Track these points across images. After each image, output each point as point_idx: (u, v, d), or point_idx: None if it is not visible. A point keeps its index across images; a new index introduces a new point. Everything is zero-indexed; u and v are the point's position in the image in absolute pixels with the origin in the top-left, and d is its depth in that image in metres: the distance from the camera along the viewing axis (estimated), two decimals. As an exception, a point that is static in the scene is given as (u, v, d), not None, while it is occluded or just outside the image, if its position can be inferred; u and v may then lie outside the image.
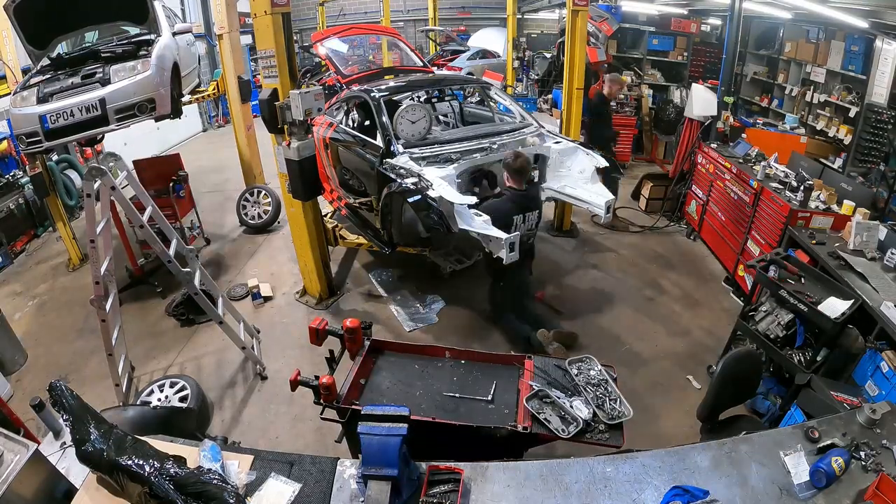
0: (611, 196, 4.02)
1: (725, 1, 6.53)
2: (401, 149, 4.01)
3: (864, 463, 1.81)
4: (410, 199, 3.43)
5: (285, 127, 3.99)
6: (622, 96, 8.26)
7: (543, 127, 4.60)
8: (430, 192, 3.40)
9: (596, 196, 4.04)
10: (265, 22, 3.75)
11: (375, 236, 4.41)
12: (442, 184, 3.51)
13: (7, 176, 6.14)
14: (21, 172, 6.23)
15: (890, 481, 1.67)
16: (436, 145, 4.10)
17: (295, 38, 5.00)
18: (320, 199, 4.66)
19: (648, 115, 8.69)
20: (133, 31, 5.15)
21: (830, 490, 1.73)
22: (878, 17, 5.52)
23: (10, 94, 4.80)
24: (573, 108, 5.57)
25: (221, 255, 5.88)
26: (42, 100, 4.17)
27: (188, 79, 5.60)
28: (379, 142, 4.13)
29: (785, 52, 7.53)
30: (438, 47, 14.64)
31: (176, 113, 4.66)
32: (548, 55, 10.21)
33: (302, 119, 3.83)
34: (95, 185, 2.83)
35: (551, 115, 8.26)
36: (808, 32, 7.05)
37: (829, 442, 1.87)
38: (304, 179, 4.14)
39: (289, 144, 4.01)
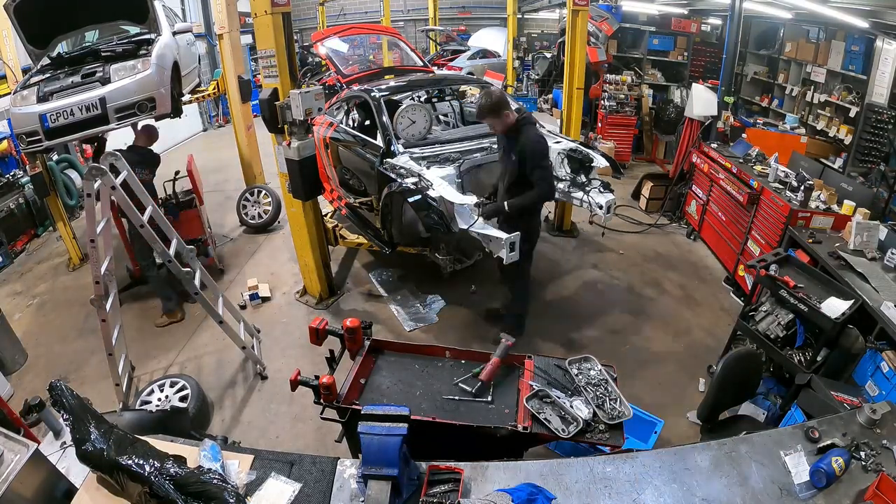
0: (611, 196, 4.03)
1: (725, 1, 6.53)
2: (401, 148, 4.00)
3: (864, 463, 1.81)
4: (411, 199, 3.44)
5: (285, 127, 3.99)
6: (622, 96, 8.27)
7: (544, 127, 4.60)
8: (431, 192, 3.40)
9: (596, 196, 4.05)
10: (265, 22, 3.75)
11: (376, 236, 4.41)
12: (442, 183, 3.50)
13: (7, 175, 6.15)
14: (21, 172, 6.24)
15: (890, 481, 1.67)
16: (436, 145, 4.10)
17: (295, 38, 5.00)
18: (320, 198, 4.66)
19: (648, 115, 8.69)
20: (133, 30, 5.16)
21: (830, 490, 1.73)
22: (879, 17, 5.52)
23: (10, 93, 4.80)
24: (573, 107, 5.57)
25: (222, 254, 5.87)
26: (42, 99, 4.17)
27: (188, 78, 5.60)
28: (379, 141, 4.12)
29: (785, 52, 7.52)
30: (439, 47, 14.64)
31: (176, 112, 4.66)
32: (548, 55, 10.23)
33: (302, 119, 3.83)
34: (96, 185, 2.83)
35: (551, 115, 8.26)
36: (808, 32, 7.05)
37: (829, 442, 1.87)
38: (305, 179, 4.14)
39: (289, 144, 4.01)
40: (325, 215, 5.06)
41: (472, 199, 3.40)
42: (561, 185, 4.26)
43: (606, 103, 8.25)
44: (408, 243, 4.19)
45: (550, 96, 9.37)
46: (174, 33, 5.01)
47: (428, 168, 3.78)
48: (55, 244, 6.28)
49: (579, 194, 4.14)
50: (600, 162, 4.16)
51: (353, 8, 16.98)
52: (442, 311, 4.66)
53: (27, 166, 5.59)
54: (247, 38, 11.60)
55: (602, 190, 4.10)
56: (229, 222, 6.70)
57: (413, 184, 3.53)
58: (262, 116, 4.05)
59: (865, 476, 1.77)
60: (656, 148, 8.82)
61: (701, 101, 6.08)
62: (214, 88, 6.56)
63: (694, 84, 6.76)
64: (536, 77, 10.41)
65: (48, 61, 4.64)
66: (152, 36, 4.71)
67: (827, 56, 6.62)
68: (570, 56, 5.37)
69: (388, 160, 3.95)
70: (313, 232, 4.51)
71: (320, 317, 2.62)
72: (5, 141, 6.08)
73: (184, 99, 5.22)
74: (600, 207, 3.99)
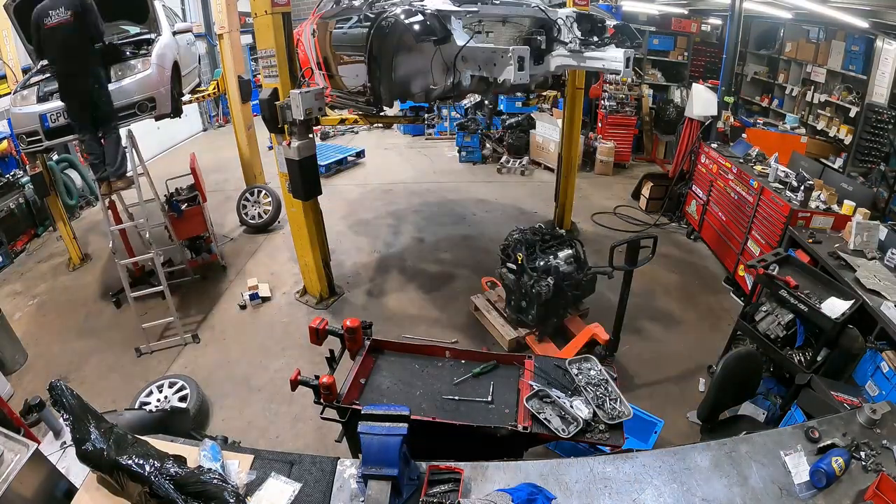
0: (630, 49, 3.59)
1: (726, 1, 6.53)
2: None
3: (864, 463, 1.81)
4: (410, 20, 3.09)
5: (285, 126, 3.99)
6: (622, 96, 8.27)
7: None
8: (426, 9, 3.12)
9: (611, 52, 3.63)
10: (265, 21, 3.75)
11: (364, 102, 4.01)
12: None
13: (7, 175, 6.14)
14: (21, 172, 6.23)
15: (890, 481, 1.67)
16: None
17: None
18: (322, 205, 4.65)
19: (649, 115, 8.69)
20: (133, 30, 5.15)
21: (830, 490, 1.73)
22: (879, 17, 5.52)
23: (10, 93, 4.79)
24: (574, 107, 5.56)
25: (222, 254, 5.87)
26: (42, 98, 4.17)
27: (188, 78, 5.59)
28: None
29: (785, 52, 7.52)
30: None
31: (176, 112, 4.66)
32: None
33: (302, 119, 3.83)
34: None
35: (552, 115, 8.25)
36: (808, 32, 7.05)
37: (829, 442, 1.87)
38: (305, 179, 4.14)
39: (289, 144, 4.01)
40: None
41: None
42: (570, 52, 3.79)
43: (606, 103, 8.25)
44: (398, 95, 3.80)
45: (550, 96, 9.38)
46: (174, 33, 5.00)
47: None
48: (55, 244, 6.28)
49: (596, 54, 3.67)
50: (613, 21, 3.86)
51: (353, 8, 16.94)
52: (442, 311, 4.65)
53: (27, 166, 5.58)
54: (247, 38, 11.56)
55: (619, 46, 3.69)
56: (229, 222, 6.70)
57: (405, 9, 3.20)
58: (262, 116, 4.05)
59: (865, 476, 1.77)
60: (656, 148, 8.82)
61: (701, 101, 6.08)
62: (214, 88, 6.56)
63: (694, 84, 6.76)
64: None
65: (48, 61, 4.64)
66: (152, 36, 4.71)
67: (827, 56, 6.62)
68: (570, 56, 5.35)
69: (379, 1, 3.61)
70: (313, 232, 4.51)
71: (320, 317, 2.62)
72: (5, 141, 6.07)
73: (184, 99, 5.22)
74: (619, 63, 3.53)
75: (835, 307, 2.94)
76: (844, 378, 2.99)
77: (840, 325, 2.87)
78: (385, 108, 3.90)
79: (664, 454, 1.88)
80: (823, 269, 3.53)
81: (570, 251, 3.95)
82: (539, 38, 3.78)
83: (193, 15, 12.13)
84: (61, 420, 1.91)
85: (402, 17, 3.16)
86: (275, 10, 3.71)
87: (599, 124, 8.49)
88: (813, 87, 6.98)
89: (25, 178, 6.17)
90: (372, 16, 3.48)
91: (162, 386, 3.57)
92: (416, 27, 3.06)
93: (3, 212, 5.97)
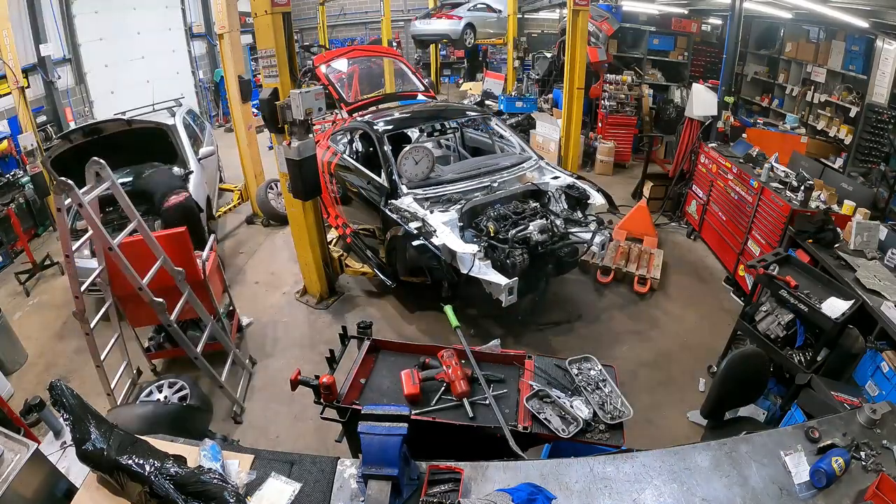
0: (606, 235, 4.02)
1: (725, 1, 6.53)
2: (405, 189, 4.10)
3: (864, 463, 1.81)
4: (414, 244, 3.57)
5: (285, 126, 4.00)
6: (622, 96, 8.27)
7: (542, 159, 4.71)
8: (434, 240, 3.51)
9: (596, 239, 4.01)
10: (265, 21, 3.75)
11: (379, 268, 4.48)
12: (445, 230, 3.59)
13: (7, 175, 6.14)
14: (21, 172, 6.23)
15: (890, 481, 1.67)
16: (438, 186, 4.17)
17: (295, 37, 5.02)
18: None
19: (649, 115, 8.69)
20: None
21: (830, 490, 1.72)
22: (879, 17, 5.52)
23: (9, 93, 4.79)
24: (573, 107, 5.57)
25: (222, 254, 5.87)
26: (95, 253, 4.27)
27: (212, 185, 6.04)
28: (384, 181, 4.22)
29: (785, 52, 7.53)
30: (438, 1, 14.04)
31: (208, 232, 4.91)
32: (548, 55, 10.21)
33: (302, 118, 3.83)
34: (66, 202, 2.69)
35: (551, 115, 8.25)
36: (808, 32, 7.06)
37: (829, 442, 1.87)
38: (305, 179, 4.14)
39: (289, 144, 4.01)
40: (330, 242, 5.12)
41: (473, 248, 3.49)
42: (558, 222, 4.11)
43: (606, 103, 8.25)
44: (411, 276, 4.30)
45: (550, 96, 9.34)
46: (199, 160, 5.44)
47: (431, 211, 3.85)
48: (55, 244, 6.28)
49: (575, 230, 4.07)
50: (597, 199, 4.19)
51: (354, 8, 16.95)
52: (434, 308, 4.66)
53: (27, 166, 5.59)
54: (247, 38, 11.59)
55: (597, 228, 4.06)
56: (230, 222, 6.71)
57: (417, 228, 3.63)
58: (262, 116, 4.06)
59: (865, 476, 1.77)
60: (656, 147, 8.81)
61: (701, 101, 6.08)
62: (239, 198, 6.81)
63: (694, 84, 6.75)
64: (536, 77, 10.37)
65: None
66: (183, 172, 5.08)
67: (827, 56, 6.62)
68: (571, 56, 5.37)
69: (393, 201, 4.04)
70: (313, 232, 4.51)
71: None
72: (5, 141, 6.07)
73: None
74: (595, 246, 4.00)
75: (835, 307, 2.94)
76: (844, 378, 2.99)
77: (840, 325, 2.87)
78: None
79: (664, 454, 1.88)
80: (823, 269, 3.53)
81: (543, 221, 3.96)
82: (532, 204, 4.19)
83: (193, 14, 12.15)
84: (61, 420, 1.91)
85: (412, 241, 3.64)
86: (275, 10, 3.71)
87: (599, 124, 8.49)
88: (813, 87, 6.98)
89: (26, 178, 6.17)
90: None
91: (162, 386, 3.56)
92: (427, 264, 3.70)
93: (4, 211, 5.97)
